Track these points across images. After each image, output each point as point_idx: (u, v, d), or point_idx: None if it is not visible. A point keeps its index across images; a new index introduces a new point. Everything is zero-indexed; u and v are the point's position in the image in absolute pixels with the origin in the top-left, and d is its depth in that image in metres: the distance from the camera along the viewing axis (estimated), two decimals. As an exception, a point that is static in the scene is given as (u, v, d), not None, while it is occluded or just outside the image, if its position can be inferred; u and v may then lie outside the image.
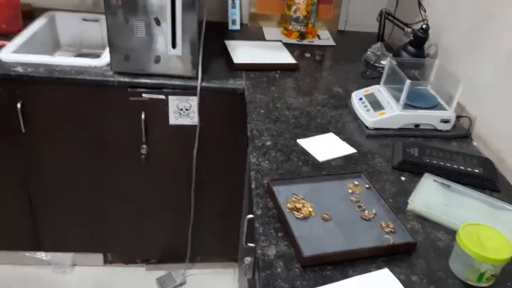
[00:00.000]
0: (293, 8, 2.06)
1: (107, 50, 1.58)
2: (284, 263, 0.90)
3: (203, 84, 1.59)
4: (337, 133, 1.36)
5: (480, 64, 1.43)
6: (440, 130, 1.39)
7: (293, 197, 1.05)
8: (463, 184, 1.15)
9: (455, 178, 1.16)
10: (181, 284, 2.00)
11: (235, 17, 2.08)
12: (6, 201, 1.81)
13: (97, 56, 1.67)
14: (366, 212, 1.03)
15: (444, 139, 1.38)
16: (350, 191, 1.10)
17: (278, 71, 1.72)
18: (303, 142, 1.30)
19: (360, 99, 1.47)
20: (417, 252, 0.96)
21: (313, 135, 1.34)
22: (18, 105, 1.56)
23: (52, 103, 1.60)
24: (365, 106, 1.42)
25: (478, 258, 0.86)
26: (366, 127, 1.38)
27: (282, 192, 1.07)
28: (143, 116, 1.63)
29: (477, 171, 1.19)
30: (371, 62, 1.80)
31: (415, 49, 1.64)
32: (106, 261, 2.08)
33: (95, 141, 1.69)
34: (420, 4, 1.78)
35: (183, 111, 1.65)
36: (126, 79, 1.56)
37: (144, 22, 1.47)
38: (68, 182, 1.79)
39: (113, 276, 2.04)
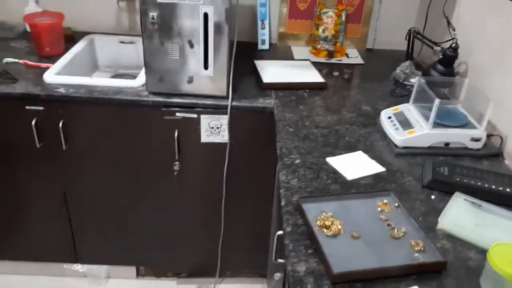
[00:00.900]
0: (321, 27, 2.11)
1: (143, 71, 1.66)
2: (314, 279, 0.92)
3: (234, 103, 1.64)
4: (366, 152, 1.38)
5: (510, 82, 1.42)
6: (471, 149, 1.39)
7: (322, 215, 1.07)
8: (494, 203, 1.14)
9: (486, 197, 1.16)
10: (211, 299, 2.03)
11: (265, 37, 2.14)
12: (47, 215, 1.90)
13: (133, 76, 1.75)
14: (396, 230, 1.05)
15: (475, 158, 1.38)
16: (379, 209, 1.12)
17: (307, 90, 1.76)
18: (332, 160, 1.32)
19: (389, 117, 1.49)
20: (448, 271, 0.96)
21: (341, 153, 1.36)
22: (60, 124, 1.66)
23: (91, 122, 1.68)
24: (394, 125, 1.44)
25: (509, 278, 0.85)
26: (395, 145, 1.39)
27: (312, 209, 1.09)
28: (176, 134, 1.69)
29: (508, 190, 1.18)
30: (400, 80, 1.82)
31: (444, 67, 1.64)
32: (138, 274, 2.14)
33: (130, 158, 1.76)
34: (449, 23, 1.79)
35: (214, 129, 1.70)
36: (161, 99, 1.63)
37: (178, 45, 1.54)
38: (104, 197, 1.86)
39: (145, 289, 2.09)
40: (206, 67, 1.58)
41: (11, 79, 1.65)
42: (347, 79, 1.90)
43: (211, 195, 1.84)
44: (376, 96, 1.76)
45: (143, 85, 1.67)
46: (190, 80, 1.61)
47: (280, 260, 1.27)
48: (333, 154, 1.36)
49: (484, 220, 1.08)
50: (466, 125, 1.40)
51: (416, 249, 1.00)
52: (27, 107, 1.63)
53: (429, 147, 1.38)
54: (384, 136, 1.46)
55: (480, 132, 1.37)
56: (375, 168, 1.29)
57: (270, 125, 1.60)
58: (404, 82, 1.79)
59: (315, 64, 1.96)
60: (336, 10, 2.09)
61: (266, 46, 2.15)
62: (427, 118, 1.38)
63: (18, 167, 1.77)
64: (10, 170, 1.78)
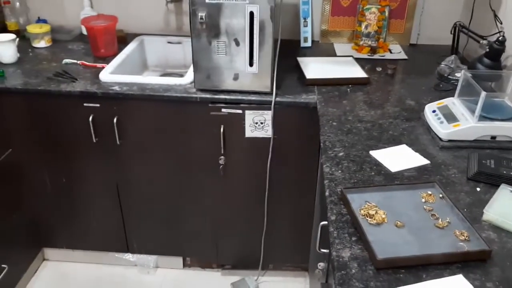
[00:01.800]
0: (364, 24, 2.12)
1: (191, 69, 1.74)
2: (358, 264, 0.96)
3: (277, 99, 1.69)
4: (409, 145, 1.39)
5: (562, 74, 1.39)
6: (519, 142, 1.37)
7: (366, 204, 1.10)
8: (543, 195, 1.13)
9: (534, 189, 1.15)
10: (254, 290, 2.09)
11: (307, 35, 2.17)
12: (101, 206, 2.02)
13: (180, 75, 1.83)
14: (440, 220, 1.06)
15: (523, 151, 1.36)
16: (423, 200, 1.13)
17: (350, 86, 1.78)
18: (376, 153, 1.34)
19: (434, 111, 1.49)
20: (493, 260, 0.97)
21: (385, 147, 1.38)
22: (115, 120, 1.76)
23: (143, 118, 1.78)
24: (439, 118, 1.44)
25: (558, 268, 0.85)
26: (440, 139, 1.39)
27: (356, 199, 1.12)
28: (222, 129, 1.76)
29: (558, 183, 1.16)
30: (445, 75, 1.80)
31: (491, 61, 1.62)
32: (185, 265, 2.23)
33: (178, 152, 1.85)
34: (496, 16, 1.76)
35: (258, 125, 1.76)
36: (208, 96, 1.70)
37: (224, 43, 1.61)
38: (154, 190, 1.96)
39: (191, 278, 2.18)
40: (251, 64, 1.64)
41: (71, 79, 1.77)
42: (391, 75, 1.90)
43: (255, 188, 1.90)
44: (420, 91, 1.75)
45: (191, 83, 1.75)
46: (236, 77, 1.67)
47: (324, 250, 1.30)
48: (376, 147, 1.38)
49: (531, 211, 1.07)
50: (513, 118, 1.39)
51: (460, 238, 1.01)
52: (85, 104, 1.75)
53: (475, 141, 1.37)
54: (429, 130, 1.46)
55: (528, 125, 1.35)
56: (419, 160, 1.31)
57: (313, 120, 1.64)
58: (449, 77, 1.78)
59: (358, 60, 1.97)
60: (379, 6, 2.10)
61: (309, 44, 2.18)
62: (472, 111, 1.37)
63: (76, 160, 1.90)
64: (68, 163, 1.91)
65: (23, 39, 2.08)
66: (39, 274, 2.19)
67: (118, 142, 1.81)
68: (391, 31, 2.18)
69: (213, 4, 1.54)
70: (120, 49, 2.01)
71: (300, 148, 1.81)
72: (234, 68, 1.65)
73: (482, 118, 1.37)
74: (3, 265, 1.87)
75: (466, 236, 1.01)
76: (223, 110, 1.73)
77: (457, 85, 1.51)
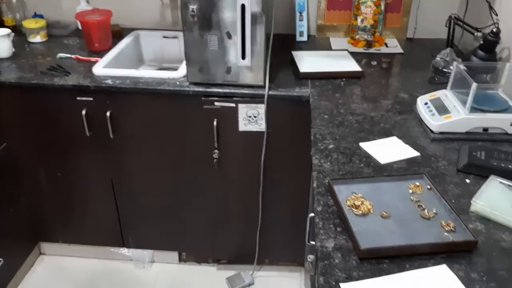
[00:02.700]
0: (360, 18, 2.11)
1: (184, 63, 1.74)
2: (341, 255, 0.95)
3: (270, 92, 1.68)
4: (400, 137, 1.38)
5: (555, 66, 1.37)
6: (511, 134, 1.36)
7: (353, 196, 1.09)
8: (533, 187, 1.11)
9: (525, 181, 1.13)
10: (249, 285, 2.08)
11: (303, 29, 2.16)
12: (97, 200, 2.03)
13: (176, 70, 1.83)
14: (426, 211, 1.05)
15: (515, 143, 1.35)
16: (410, 191, 1.12)
17: (344, 79, 1.77)
18: (366, 146, 1.33)
19: (426, 103, 1.47)
20: (479, 251, 0.96)
21: (376, 139, 1.37)
22: (108, 114, 1.76)
23: (136, 112, 1.78)
24: (430, 111, 1.43)
25: (542, 257, 0.84)
26: (431, 131, 1.38)
27: (343, 190, 1.11)
28: (215, 123, 1.75)
29: (549, 174, 1.15)
30: (440, 68, 1.79)
31: (485, 53, 1.60)
32: (181, 259, 2.23)
33: (172, 146, 1.85)
34: (491, 8, 1.74)
35: (251, 118, 1.75)
36: (200, 89, 1.70)
37: (217, 36, 1.60)
38: (149, 184, 1.96)
39: (186, 273, 2.18)
40: (243, 57, 1.63)
41: (64, 73, 1.77)
42: (385, 68, 1.89)
43: (249, 182, 1.90)
44: (414, 84, 1.74)
45: (184, 76, 1.74)
46: (229, 70, 1.67)
47: (312, 242, 1.30)
48: (367, 139, 1.37)
49: (520, 202, 1.06)
50: (506, 109, 1.37)
51: (446, 229, 1.00)
52: (78, 98, 1.75)
53: (467, 133, 1.36)
54: (420, 122, 1.45)
55: (521, 117, 1.34)
56: (409, 152, 1.30)
57: (306, 113, 1.63)
58: (444, 70, 1.76)
59: (353, 54, 1.96)
60: (375, 0, 2.08)
61: (305, 38, 2.17)
62: (464, 103, 1.36)
63: (71, 155, 1.90)
64: (63, 157, 1.91)
65: (20, 34, 2.09)
66: (35, 268, 2.20)
67: (111, 136, 1.82)
68: (388, 25, 2.17)
69: (204, -3, 1.53)
70: (115, 44, 2.01)
71: (294, 142, 1.80)
72: (227, 61, 1.65)
73: (474, 110, 1.35)
74: (-2, 259, 1.88)
75: (452, 227, 1.00)
76: (216, 103, 1.72)
77: (451, 77, 1.50)
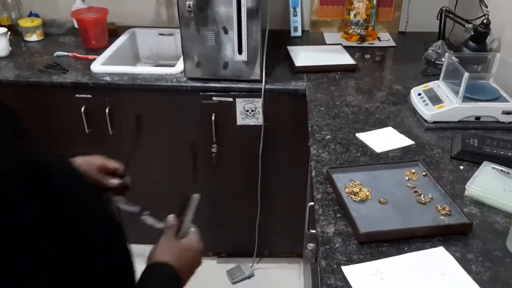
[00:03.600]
0: (353, 12, 2.14)
1: (181, 59, 1.76)
2: (342, 239, 0.98)
3: (267, 86, 1.71)
4: (395, 127, 1.41)
5: (544, 55, 1.41)
6: (503, 122, 1.40)
7: (351, 183, 1.13)
8: (524, 172, 1.15)
9: (516, 166, 1.17)
10: (249, 277, 2.11)
11: (297, 24, 2.19)
12: (95, 196, 2.04)
13: (172, 66, 1.85)
14: (422, 196, 1.08)
15: (507, 131, 1.38)
16: (406, 178, 1.16)
17: (338, 72, 1.80)
18: (362, 136, 1.36)
19: (419, 94, 1.51)
20: (474, 233, 1.00)
21: (371, 130, 1.40)
22: (107, 110, 1.78)
23: (134, 108, 1.80)
24: (424, 101, 1.46)
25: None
26: (425, 120, 1.42)
27: (341, 179, 1.15)
28: (213, 117, 1.78)
29: (539, 159, 1.19)
30: (432, 60, 1.83)
31: (476, 44, 1.65)
32: (180, 254, 2.25)
33: (171, 141, 1.87)
34: (481, 0, 1.78)
35: (249, 112, 1.78)
36: (198, 84, 1.72)
37: (213, 31, 1.63)
38: (148, 179, 1.98)
39: (187, 268, 2.20)
40: (240, 52, 1.66)
41: (62, 70, 1.79)
42: (379, 61, 1.93)
43: (248, 176, 1.92)
44: (407, 76, 1.78)
45: (181, 72, 1.77)
46: (226, 65, 1.69)
47: (312, 231, 1.33)
48: (363, 130, 1.40)
49: (512, 186, 1.10)
50: (497, 98, 1.41)
51: (442, 213, 1.03)
52: (76, 95, 1.76)
53: (460, 122, 1.40)
54: (414, 112, 1.48)
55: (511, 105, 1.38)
56: (404, 141, 1.33)
57: (303, 107, 1.66)
58: (436, 62, 1.80)
59: (347, 48, 1.99)
60: (367, -5, 2.11)
61: (299, 33, 2.20)
62: (457, 93, 1.40)
63: (70, 151, 1.91)
64: (62, 154, 1.92)
65: (16, 33, 2.10)
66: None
67: (110, 132, 1.84)
68: (380, 20, 2.20)
69: (201, -7, 1.56)
70: (111, 42, 2.03)
71: (291, 135, 1.83)
72: (224, 56, 1.68)
73: (466, 99, 1.39)
74: None
75: (448, 211, 1.03)
76: (214, 98, 1.75)
77: (443, 69, 1.54)
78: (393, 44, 2.09)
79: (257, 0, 1.56)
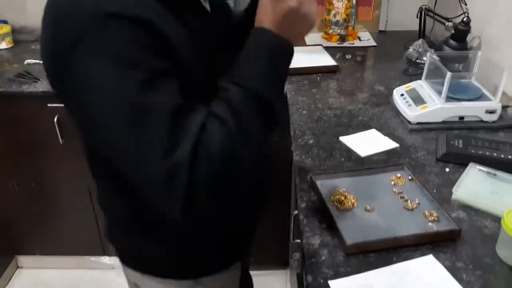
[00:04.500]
0: (332, 12, 2.11)
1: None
2: (328, 251, 0.94)
3: (247, 90, 1.66)
4: (379, 129, 1.38)
5: (525, 52, 1.40)
6: (486, 122, 1.38)
7: (336, 190, 1.09)
8: (511, 173, 1.13)
9: (502, 167, 1.14)
10: (235, 285, 2.06)
11: (276, 25, 2.15)
12: (74, 210, 1.97)
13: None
14: (409, 202, 1.05)
15: (490, 130, 1.37)
16: (392, 183, 1.12)
17: (319, 74, 1.77)
18: (345, 139, 1.33)
19: (402, 95, 1.48)
20: (463, 239, 0.97)
21: (355, 132, 1.37)
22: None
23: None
24: (407, 102, 1.44)
25: (524, 242, 0.85)
26: (409, 122, 1.39)
27: (325, 186, 1.11)
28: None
29: (525, 159, 1.17)
30: (413, 59, 1.81)
31: (457, 42, 1.63)
32: (164, 265, 2.19)
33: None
34: (460, -3, 1.76)
35: (229, 118, 1.73)
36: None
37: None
38: (127, 189, 1.92)
39: (171, 278, 2.14)
40: (218, 56, 1.61)
41: (33, 79, 1.71)
42: (360, 61, 1.90)
43: (230, 183, 1.87)
44: (389, 76, 1.75)
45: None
46: (203, 70, 1.64)
47: (297, 240, 1.29)
48: (346, 133, 1.36)
49: (499, 188, 1.07)
50: (480, 97, 1.39)
51: (430, 219, 1.00)
52: (49, 105, 1.69)
53: (443, 122, 1.38)
54: (398, 113, 1.45)
55: (495, 104, 1.36)
56: (388, 144, 1.30)
57: (284, 110, 1.61)
58: (417, 61, 1.78)
59: (328, 49, 1.96)
60: (346, -6, 2.09)
61: (278, 34, 2.16)
62: (439, 93, 1.37)
63: (44, 163, 1.84)
64: (36, 166, 1.85)
65: (-17, 41, 2.01)
66: (13, 283, 2.12)
67: (86, 143, 1.76)
68: (360, 19, 2.18)
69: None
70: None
71: (272, 139, 1.78)
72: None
73: (449, 99, 1.37)
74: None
75: (435, 217, 1.00)
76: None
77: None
78: (374, 43, 2.07)
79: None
